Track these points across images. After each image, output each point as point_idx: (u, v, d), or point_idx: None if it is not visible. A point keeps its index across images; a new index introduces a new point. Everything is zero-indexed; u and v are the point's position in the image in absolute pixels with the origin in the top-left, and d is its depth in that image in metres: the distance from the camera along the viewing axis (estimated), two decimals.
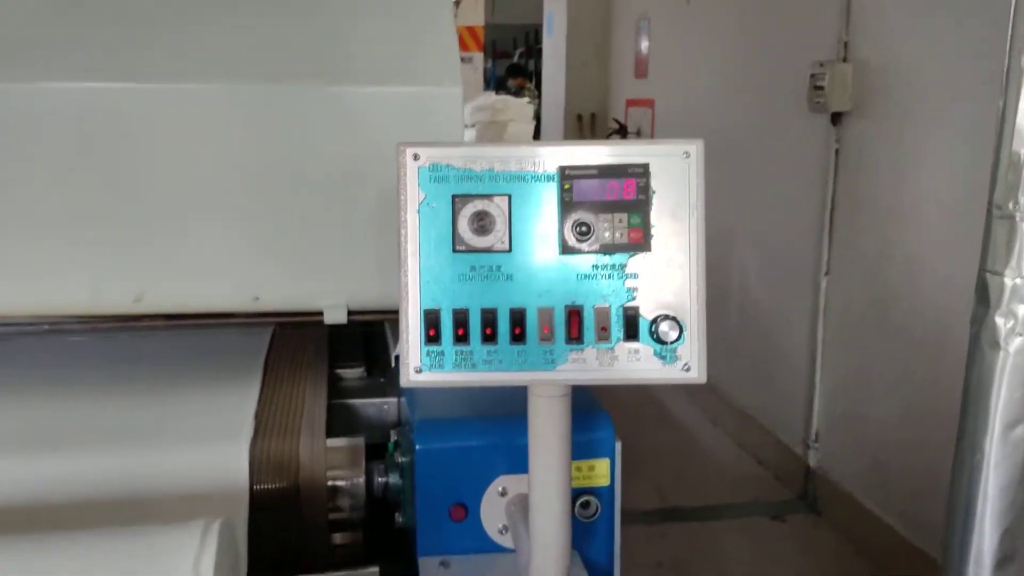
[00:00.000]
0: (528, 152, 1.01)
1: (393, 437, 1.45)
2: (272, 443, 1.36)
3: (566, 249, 0.99)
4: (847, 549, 3.23)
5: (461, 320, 1.00)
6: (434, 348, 1.01)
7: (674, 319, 0.99)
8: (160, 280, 1.55)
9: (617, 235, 0.99)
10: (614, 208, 0.99)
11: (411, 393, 1.41)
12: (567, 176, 0.99)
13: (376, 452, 1.45)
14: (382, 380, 1.69)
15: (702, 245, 1.01)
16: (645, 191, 1.00)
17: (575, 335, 1.00)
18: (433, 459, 1.30)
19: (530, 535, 1.08)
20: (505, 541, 1.31)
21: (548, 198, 1.01)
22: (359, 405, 1.61)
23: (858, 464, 3.28)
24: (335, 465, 1.37)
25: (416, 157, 1.00)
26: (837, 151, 3.34)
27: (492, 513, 1.30)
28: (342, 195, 1.60)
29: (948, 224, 2.78)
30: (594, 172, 0.99)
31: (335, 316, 1.60)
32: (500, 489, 1.30)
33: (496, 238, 1.00)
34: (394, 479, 1.39)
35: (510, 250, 1.00)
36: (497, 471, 1.31)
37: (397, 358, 1.58)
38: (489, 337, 1.01)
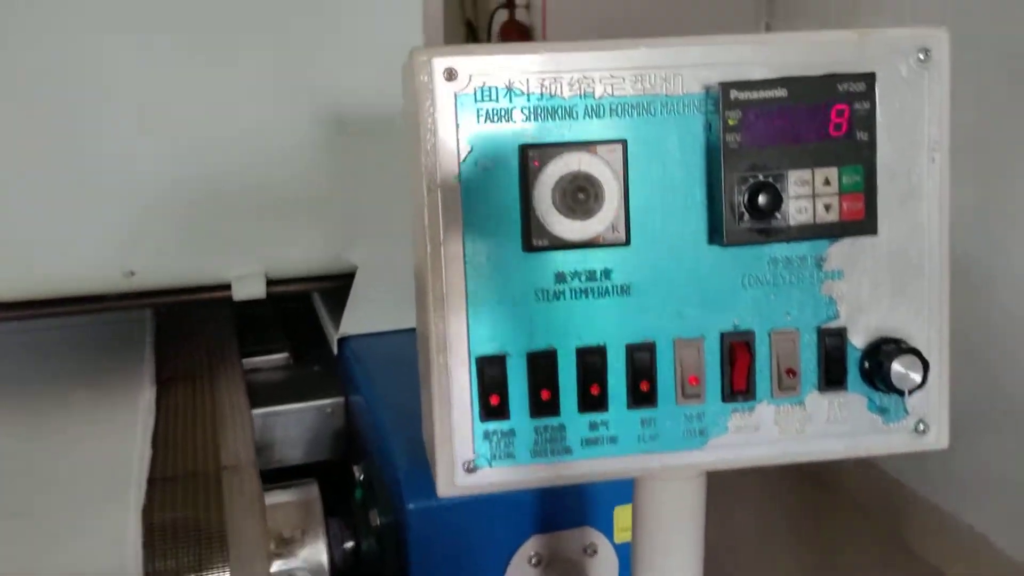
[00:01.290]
0: (657, 56, 0.54)
1: (357, 475, 0.99)
2: (179, 512, 0.88)
3: (730, 235, 0.53)
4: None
5: (545, 372, 0.55)
6: (497, 426, 0.55)
7: (913, 352, 0.56)
8: None
9: (821, 207, 0.54)
10: (815, 156, 0.54)
11: (376, 397, 0.96)
12: (732, 101, 0.53)
13: (331, 496, 0.99)
14: (317, 371, 1.22)
15: (946, 222, 0.58)
16: (868, 125, 0.55)
17: (741, 385, 0.56)
18: (434, 521, 0.86)
19: None
20: None
21: (693, 143, 0.55)
22: (291, 415, 1.13)
23: None
24: (281, 532, 0.91)
25: (451, 75, 0.52)
26: None
27: None
28: (251, 119, 1.11)
29: None
30: (779, 92, 0.53)
31: (249, 289, 1.12)
32: (532, 556, 0.87)
33: (603, 222, 0.53)
34: (369, 545, 0.94)
35: (627, 242, 0.54)
36: (526, 530, 0.87)
37: (341, 340, 1.11)
38: (594, 400, 0.55)
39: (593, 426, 0.56)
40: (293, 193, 1.13)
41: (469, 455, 0.55)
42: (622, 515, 0.88)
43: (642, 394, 0.56)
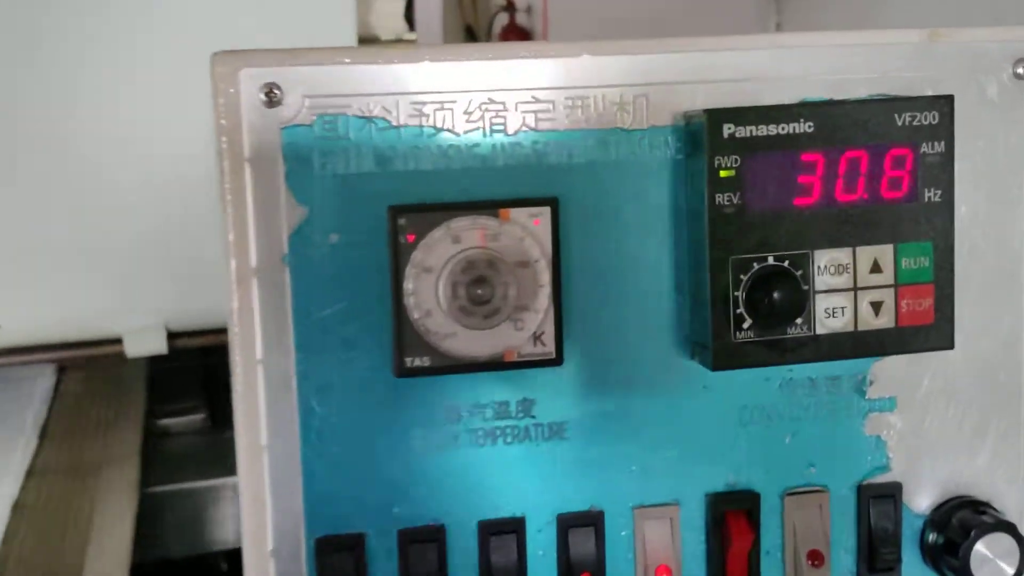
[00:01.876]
0: (606, 69, 0.34)
1: None
2: None
3: (720, 356, 0.33)
4: None
5: (427, 561, 0.34)
6: None
7: (1005, 527, 0.35)
8: None
9: (868, 305, 0.34)
10: (859, 229, 0.34)
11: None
12: (725, 141, 0.32)
13: None
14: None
15: None
16: (942, 178, 0.34)
17: (737, 573, 0.36)
18: None
19: None
20: None
21: (661, 204, 0.34)
22: (200, 494, 0.92)
23: None
24: None
25: (273, 96, 0.32)
26: None
27: None
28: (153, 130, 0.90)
29: None
30: (800, 126, 0.33)
31: (146, 344, 0.92)
32: None
33: (520, 330, 0.33)
34: None
35: (558, 359, 0.34)
36: None
37: None
38: None
39: None
40: (199, 232, 0.93)
41: None
42: None
43: None
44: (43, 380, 1.10)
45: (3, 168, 0.86)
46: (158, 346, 0.94)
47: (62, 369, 1.11)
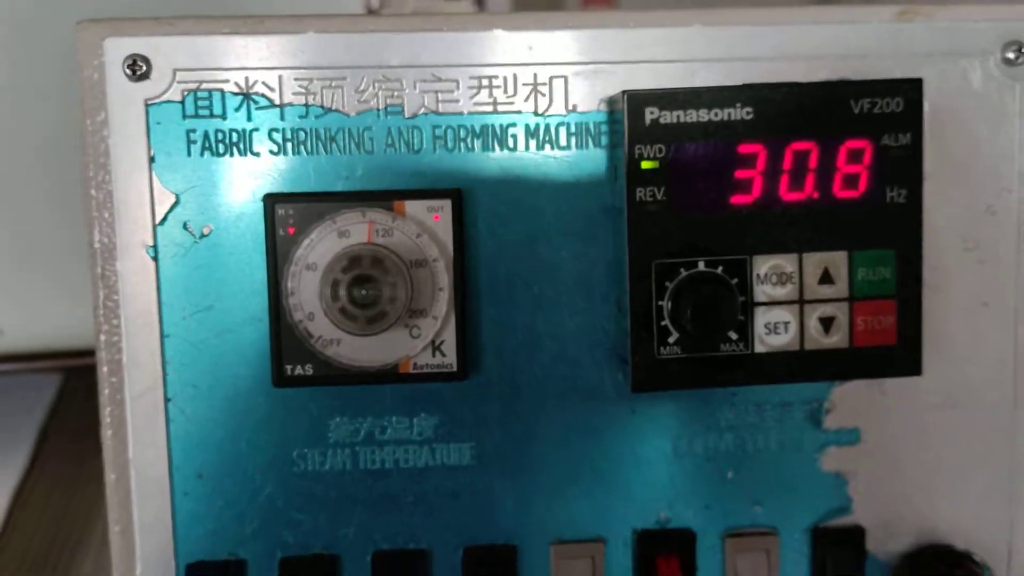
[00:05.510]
0: (518, 43, 0.30)
1: None
2: None
3: (640, 376, 0.28)
4: None
5: None
6: None
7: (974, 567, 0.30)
8: None
9: (815, 324, 0.29)
10: (807, 232, 0.29)
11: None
12: (648, 127, 0.28)
13: None
14: None
15: None
16: (908, 175, 0.29)
17: None
18: None
19: None
20: None
21: (584, 201, 0.30)
22: None
23: None
24: None
25: (137, 69, 0.29)
26: None
27: None
28: None
29: None
30: (738, 111, 0.28)
31: None
32: None
33: (416, 338, 0.29)
34: None
35: (461, 373, 0.29)
36: None
37: None
38: None
39: None
40: None
41: None
42: None
43: None
44: (47, 389, 1.09)
45: (9, 172, 0.85)
46: None
47: (66, 378, 1.10)
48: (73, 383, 1.08)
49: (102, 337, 0.30)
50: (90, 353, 0.99)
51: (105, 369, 0.30)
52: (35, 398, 1.04)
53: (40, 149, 0.88)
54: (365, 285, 0.29)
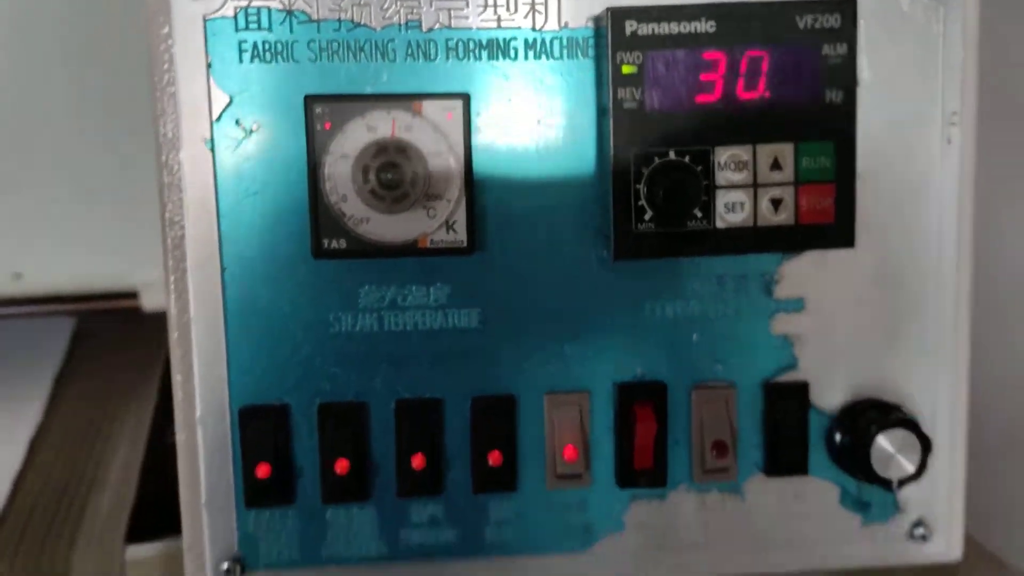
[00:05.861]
0: None
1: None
2: (22, 557, 0.72)
3: (622, 245, 0.35)
4: None
5: (345, 434, 0.36)
6: (271, 514, 0.37)
7: (907, 423, 0.36)
8: None
9: (767, 204, 0.35)
10: (759, 126, 0.35)
11: None
12: (628, 39, 0.34)
13: None
14: None
15: (968, 233, 0.38)
16: (845, 81, 0.35)
17: (645, 462, 0.38)
18: None
19: None
20: None
21: (574, 103, 0.36)
22: None
23: None
24: None
25: None
26: None
27: None
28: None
29: None
30: (703, 25, 0.34)
31: (160, 298, 0.94)
32: None
33: (432, 217, 0.35)
34: None
35: (470, 248, 0.35)
36: None
37: None
38: (423, 479, 0.37)
39: (421, 517, 0.38)
40: None
41: (230, 555, 0.37)
42: None
43: (493, 472, 0.38)
44: (61, 332, 1.14)
45: (29, 126, 0.90)
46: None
47: (80, 322, 1.15)
48: (86, 326, 1.14)
49: (167, 216, 0.36)
50: (103, 297, 1.04)
51: (169, 242, 0.36)
52: (51, 341, 1.09)
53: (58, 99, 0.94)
54: (391, 170, 0.35)
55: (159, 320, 1.19)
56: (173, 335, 0.36)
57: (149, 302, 0.97)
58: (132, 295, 0.98)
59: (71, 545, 0.75)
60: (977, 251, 0.39)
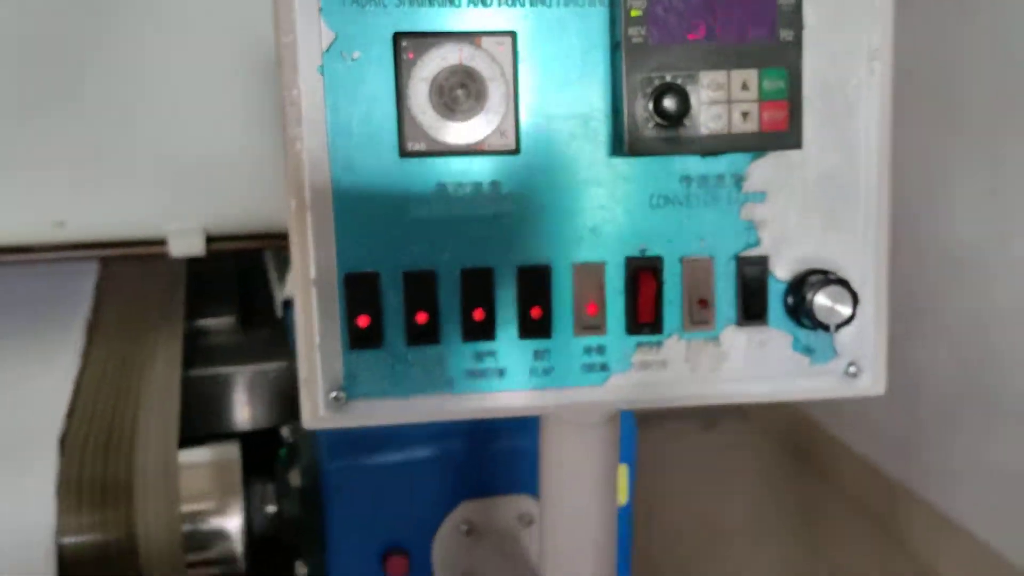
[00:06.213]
0: None
1: (286, 436, 0.93)
2: (94, 462, 0.83)
3: (633, 144, 0.47)
4: (779, 454, 2.89)
5: (422, 294, 0.48)
6: (368, 354, 0.49)
7: (842, 284, 0.49)
8: None
9: (738, 115, 0.48)
10: (733, 58, 0.48)
11: None
12: None
13: (260, 458, 0.93)
14: (264, 335, 1.16)
15: (887, 145, 0.51)
16: (794, 23, 0.48)
17: (647, 316, 0.50)
18: (355, 482, 0.80)
19: None
20: None
21: (595, 39, 0.48)
22: (229, 377, 1.07)
23: None
24: (193, 494, 0.85)
25: None
26: None
27: (450, 561, 0.81)
28: (195, 58, 1.05)
29: None
30: None
31: (186, 245, 1.06)
32: (463, 524, 0.81)
33: (489, 125, 0.47)
34: (291, 508, 0.88)
35: (517, 149, 0.48)
36: (456, 495, 0.82)
37: (286, 303, 1.05)
38: (480, 327, 0.49)
39: (479, 357, 0.50)
40: (235, 148, 1.08)
41: (337, 385, 0.49)
42: None
43: (534, 323, 0.50)
44: (88, 276, 1.24)
45: (71, 82, 1.01)
46: (196, 247, 1.09)
47: (104, 266, 1.25)
48: (110, 270, 1.24)
49: (289, 130, 0.47)
50: (135, 244, 1.16)
51: (289, 150, 0.47)
52: (79, 284, 1.20)
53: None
54: (458, 89, 0.47)
55: (177, 265, 1.31)
56: (292, 223, 0.48)
57: (176, 248, 1.08)
58: (161, 242, 1.09)
59: (131, 452, 0.86)
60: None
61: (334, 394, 0.49)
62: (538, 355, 0.50)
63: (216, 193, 1.10)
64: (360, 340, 0.49)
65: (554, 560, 0.58)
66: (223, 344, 1.16)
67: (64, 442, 0.86)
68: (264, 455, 0.95)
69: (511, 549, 0.82)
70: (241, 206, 1.10)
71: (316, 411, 0.49)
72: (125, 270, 1.24)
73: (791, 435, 2.94)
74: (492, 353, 0.50)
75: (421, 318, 0.49)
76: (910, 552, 2.39)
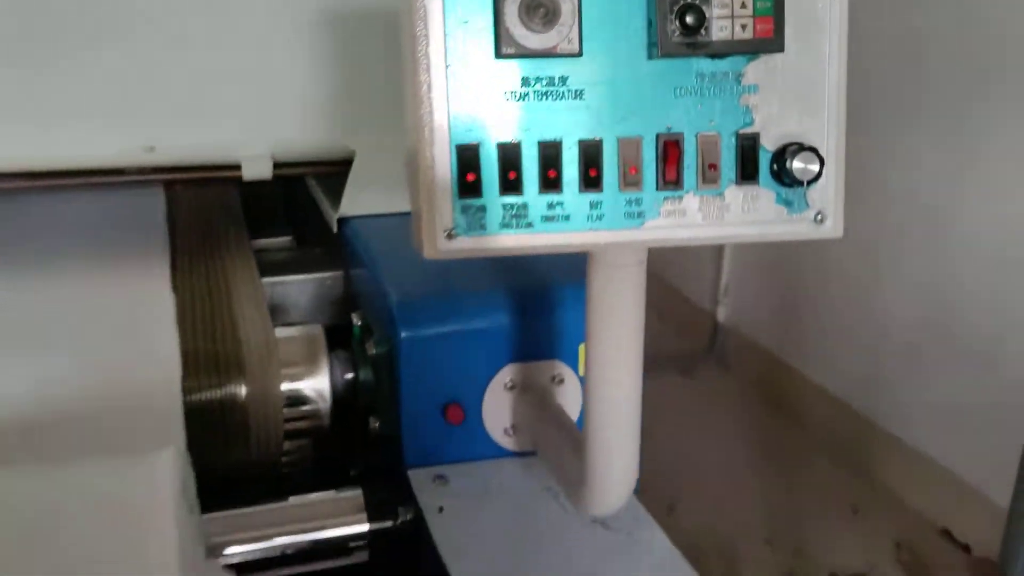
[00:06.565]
0: None
1: (356, 321, 1.12)
2: (204, 340, 1.01)
3: (663, 48, 0.66)
4: (754, 398, 3.11)
5: (511, 159, 0.68)
6: (472, 202, 0.68)
7: (812, 150, 0.69)
8: (9, 126, 1.17)
9: (738, 27, 0.67)
10: None
11: (376, 264, 1.08)
12: None
13: (333, 340, 1.12)
14: (318, 250, 1.34)
15: (844, 55, 0.71)
16: None
17: (672, 177, 0.69)
18: (422, 349, 0.99)
19: (589, 447, 0.80)
20: (510, 443, 1.02)
21: None
22: (296, 284, 1.26)
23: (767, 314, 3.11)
24: (290, 361, 1.04)
25: None
26: None
27: (497, 411, 1.01)
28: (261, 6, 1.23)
29: None
30: None
31: (257, 169, 1.24)
32: (508, 382, 1.00)
33: (560, 35, 0.66)
34: (365, 375, 1.08)
35: (580, 53, 0.67)
36: (503, 359, 1.01)
37: (340, 220, 1.23)
38: (551, 183, 0.68)
39: (550, 205, 0.69)
40: (297, 79, 1.25)
41: (449, 224, 0.68)
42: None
43: (591, 180, 0.69)
44: (155, 196, 1.41)
45: (174, 21, 1.18)
46: (265, 171, 1.27)
47: (169, 193, 1.42)
48: (173, 192, 1.41)
49: (415, 39, 0.66)
50: (213, 168, 1.36)
51: (422, 84, 0.66)
52: (150, 204, 1.37)
53: None
54: (540, 8, 0.66)
55: (232, 191, 1.51)
56: (420, 108, 0.67)
57: (248, 172, 1.26)
58: (236, 167, 1.27)
59: (235, 331, 1.05)
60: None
61: (446, 231, 0.68)
62: (593, 205, 0.70)
63: (280, 124, 1.28)
64: (466, 191, 0.68)
65: (596, 373, 0.77)
66: (284, 259, 1.35)
67: (180, 323, 1.05)
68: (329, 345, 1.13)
69: (546, 401, 1.01)
70: (302, 134, 1.28)
71: (435, 244, 0.68)
72: (187, 194, 1.42)
73: (765, 381, 3.15)
74: (560, 203, 0.69)
75: (511, 176, 0.68)
76: (878, 481, 2.62)
